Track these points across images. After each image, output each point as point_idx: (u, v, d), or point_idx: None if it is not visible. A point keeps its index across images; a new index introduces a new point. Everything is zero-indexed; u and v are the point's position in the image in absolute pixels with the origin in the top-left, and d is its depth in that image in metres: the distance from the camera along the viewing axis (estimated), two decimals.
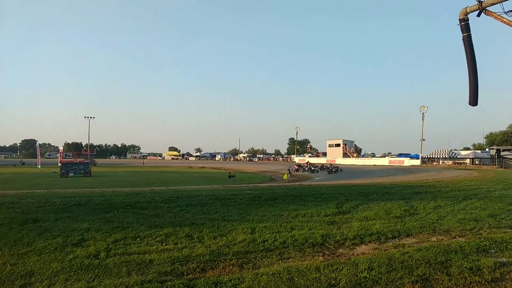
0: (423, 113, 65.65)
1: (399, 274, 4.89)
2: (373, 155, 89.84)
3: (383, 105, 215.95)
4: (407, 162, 61.98)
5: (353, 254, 6.08)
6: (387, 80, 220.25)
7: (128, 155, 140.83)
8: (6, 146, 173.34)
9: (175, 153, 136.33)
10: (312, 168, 52.97)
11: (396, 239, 7.12)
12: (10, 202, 10.52)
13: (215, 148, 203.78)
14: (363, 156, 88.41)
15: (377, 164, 64.19)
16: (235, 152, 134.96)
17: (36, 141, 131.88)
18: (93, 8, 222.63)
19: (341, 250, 6.34)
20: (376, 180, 27.27)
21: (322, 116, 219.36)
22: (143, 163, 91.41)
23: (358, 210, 10.45)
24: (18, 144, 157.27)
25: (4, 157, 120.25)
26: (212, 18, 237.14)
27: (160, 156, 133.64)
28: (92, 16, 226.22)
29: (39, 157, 62.37)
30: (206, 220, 8.69)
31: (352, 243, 6.72)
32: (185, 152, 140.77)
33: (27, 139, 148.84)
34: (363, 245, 6.69)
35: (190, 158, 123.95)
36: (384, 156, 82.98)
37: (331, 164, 57.47)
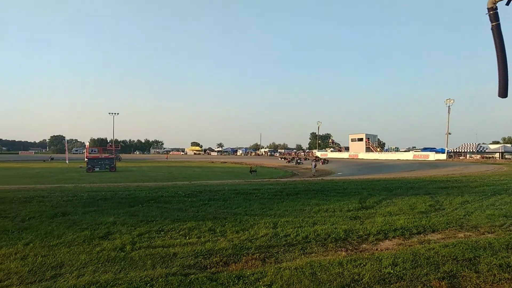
0: (449, 106, 63.79)
1: (425, 271, 4.80)
2: (396, 150, 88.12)
3: (407, 99, 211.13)
4: (432, 156, 60.45)
5: (376, 249, 6.00)
6: (411, 73, 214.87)
7: (152, 151, 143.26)
8: (36, 142, 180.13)
9: (197, 148, 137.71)
10: (298, 161, 62.89)
11: (421, 235, 6.99)
12: (41, 196, 10.90)
13: (236, 143, 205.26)
14: (387, 150, 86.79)
15: (401, 158, 62.88)
16: (256, 147, 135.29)
17: (64, 137, 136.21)
18: (116, 7, 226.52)
19: (364, 245, 6.27)
20: (400, 174, 26.76)
21: (344, 110, 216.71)
22: (167, 158, 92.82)
23: (381, 205, 10.30)
24: (47, 140, 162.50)
25: (34, 152, 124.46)
26: (227, 15, 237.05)
27: (183, 151, 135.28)
28: (117, 16, 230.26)
29: (67, 152, 64.36)
30: (228, 214, 8.76)
31: (376, 239, 6.63)
32: (207, 147, 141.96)
33: (55, 135, 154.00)
34: (387, 240, 6.60)
35: (212, 153, 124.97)
36: (408, 150, 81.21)
37: (316, 157, 62.23)
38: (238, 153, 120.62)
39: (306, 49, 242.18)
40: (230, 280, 4.46)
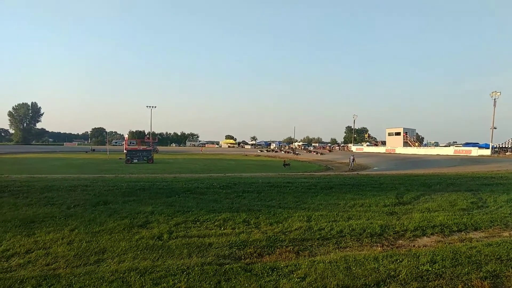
0: (494, 99, 60.34)
1: (466, 269, 4.63)
2: (436, 144, 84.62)
3: (449, 91, 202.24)
4: (475, 152, 57.49)
5: (414, 246, 5.85)
6: (452, 65, 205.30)
7: (187, 143, 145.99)
8: (79, 134, 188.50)
9: (231, 141, 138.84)
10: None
11: (462, 233, 6.73)
12: (84, 185, 11.46)
13: (270, 137, 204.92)
14: (425, 145, 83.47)
15: (441, 153, 60.28)
16: (290, 141, 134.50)
17: (104, 129, 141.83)
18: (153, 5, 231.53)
19: (401, 241, 6.13)
20: (440, 170, 25.75)
21: (381, 103, 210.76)
22: (201, 151, 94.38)
23: (419, 201, 9.99)
24: (89, 132, 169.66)
25: (77, 144, 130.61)
26: (264, 11, 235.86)
27: (217, 144, 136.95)
28: (152, 14, 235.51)
29: (108, 144, 67.03)
30: (262, 206, 8.82)
31: (413, 235, 6.47)
32: (241, 140, 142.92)
33: (96, 127, 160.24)
34: (425, 237, 6.42)
35: (246, 146, 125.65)
36: (448, 145, 77.72)
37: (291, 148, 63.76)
38: (272, 147, 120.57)
39: (341, 41, 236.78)
40: (264, 272, 4.51)
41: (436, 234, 6.57)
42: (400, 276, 4.40)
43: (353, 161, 38.05)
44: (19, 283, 4.12)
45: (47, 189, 10.52)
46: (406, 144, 74.24)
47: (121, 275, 4.36)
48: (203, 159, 54.00)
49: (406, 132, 76.67)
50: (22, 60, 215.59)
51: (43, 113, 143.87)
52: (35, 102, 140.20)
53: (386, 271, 4.53)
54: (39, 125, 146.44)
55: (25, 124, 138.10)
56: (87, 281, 4.16)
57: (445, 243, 5.97)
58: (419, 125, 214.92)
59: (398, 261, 4.92)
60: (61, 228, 6.46)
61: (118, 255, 5.11)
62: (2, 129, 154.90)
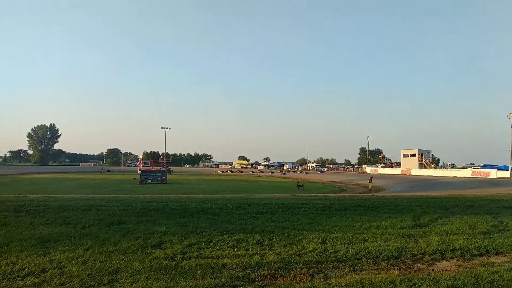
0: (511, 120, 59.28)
1: None
2: (453, 166, 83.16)
3: (464, 113, 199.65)
4: (494, 174, 56.12)
5: (432, 270, 5.68)
6: (468, 86, 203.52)
7: (201, 164, 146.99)
8: (95, 154, 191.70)
9: (245, 162, 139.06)
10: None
11: (484, 257, 6.51)
12: (99, 205, 11.57)
13: (283, 157, 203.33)
14: (442, 167, 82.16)
15: (458, 175, 59.06)
16: (303, 162, 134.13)
17: (119, 150, 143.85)
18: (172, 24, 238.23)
19: (419, 265, 5.96)
20: (457, 192, 25.18)
21: (396, 125, 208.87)
22: (215, 172, 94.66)
23: (437, 224, 9.75)
24: (104, 153, 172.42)
25: (93, 164, 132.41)
26: (279, 31, 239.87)
27: (230, 165, 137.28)
28: (165, 33, 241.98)
29: (123, 165, 67.94)
30: (276, 228, 8.73)
31: (432, 258, 6.28)
32: (254, 161, 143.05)
33: (111, 148, 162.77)
34: (444, 261, 6.22)
35: (259, 167, 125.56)
36: (466, 167, 76.22)
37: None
38: (285, 167, 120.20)
39: (355, 63, 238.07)
40: None
41: (456, 258, 6.37)
42: None
43: (370, 181, 37.52)
44: None
45: (63, 208, 10.65)
46: (421, 165, 73.04)
47: None
48: (216, 180, 54.08)
49: (422, 154, 75.55)
50: (41, 82, 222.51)
51: (60, 135, 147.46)
52: (53, 124, 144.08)
53: None
54: (56, 146, 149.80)
55: (43, 145, 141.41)
56: None
57: (465, 268, 5.78)
58: (435, 146, 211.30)
59: (417, 285, 4.77)
60: (76, 248, 6.49)
61: (132, 275, 5.09)
62: (21, 150, 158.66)
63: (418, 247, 6.94)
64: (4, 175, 58.85)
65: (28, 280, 4.87)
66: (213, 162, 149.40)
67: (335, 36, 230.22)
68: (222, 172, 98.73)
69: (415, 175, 63.50)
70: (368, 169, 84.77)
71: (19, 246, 6.56)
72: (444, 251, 6.71)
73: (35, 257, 5.92)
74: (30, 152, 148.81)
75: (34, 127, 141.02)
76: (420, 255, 6.44)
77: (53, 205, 11.25)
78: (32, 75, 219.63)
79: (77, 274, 5.08)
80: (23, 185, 35.61)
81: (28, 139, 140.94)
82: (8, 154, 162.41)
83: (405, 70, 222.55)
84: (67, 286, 4.68)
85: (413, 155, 76.34)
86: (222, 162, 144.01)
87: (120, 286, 4.65)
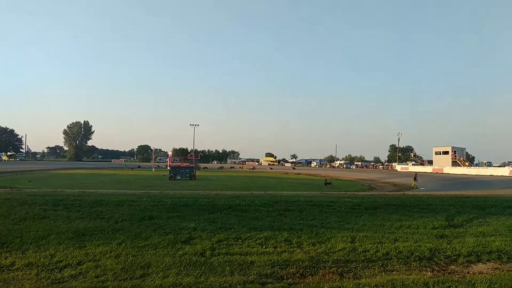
0: None
1: None
2: (489, 164, 79.79)
3: (501, 108, 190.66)
4: None
5: (468, 272, 5.49)
6: (505, 81, 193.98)
7: (228, 160, 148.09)
8: (126, 151, 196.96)
9: (271, 159, 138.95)
10: None
11: None
12: (131, 200, 11.89)
13: (310, 155, 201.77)
14: (477, 165, 78.88)
15: (495, 174, 56.46)
16: (331, 159, 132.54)
17: (149, 146, 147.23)
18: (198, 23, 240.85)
19: (453, 267, 5.77)
20: (494, 192, 24.12)
21: (428, 121, 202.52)
22: (242, 168, 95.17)
23: (472, 224, 9.40)
24: (135, 149, 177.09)
25: (124, 161, 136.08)
26: (309, 25, 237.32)
27: (257, 162, 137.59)
28: (195, 34, 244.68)
29: (153, 161, 69.54)
30: (304, 226, 8.69)
31: (467, 261, 6.06)
32: (281, 158, 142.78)
33: (142, 145, 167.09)
34: (480, 263, 5.99)
35: (286, 164, 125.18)
36: (503, 165, 72.99)
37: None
38: (312, 165, 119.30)
39: (388, 57, 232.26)
40: None
41: (493, 261, 6.12)
42: None
43: (415, 178, 36.00)
44: None
45: (97, 203, 11.03)
46: (454, 163, 70.51)
47: None
48: (243, 176, 54.39)
49: (455, 151, 72.90)
50: (76, 80, 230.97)
51: (93, 131, 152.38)
52: (87, 121, 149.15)
53: None
54: (89, 143, 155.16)
55: (77, 142, 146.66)
56: None
57: (503, 271, 5.54)
58: (470, 144, 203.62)
59: None
60: (109, 242, 6.71)
61: (163, 270, 5.21)
62: (57, 146, 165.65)
63: (452, 248, 6.72)
64: (43, 170, 61.68)
65: (66, 272, 5.09)
66: (240, 159, 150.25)
67: (368, 23, 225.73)
68: (251, 169, 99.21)
69: (448, 173, 61.36)
70: (398, 167, 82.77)
71: (57, 239, 6.86)
72: (480, 253, 6.46)
73: (71, 250, 6.17)
74: (65, 148, 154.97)
75: (69, 124, 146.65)
76: (455, 257, 6.23)
77: (87, 200, 11.67)
78: (67, 74, 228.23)
79: (111, 268, 5.26)
80: (59, 180, 37.16)
81: (63, 135, 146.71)
82: (46, 150, 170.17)
83: (437, 64, 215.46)
84: (102, 278, 4.85)
85: (446, 152, 73.80)
86: (249, 159, 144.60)
87: (152, 281, 4.77)
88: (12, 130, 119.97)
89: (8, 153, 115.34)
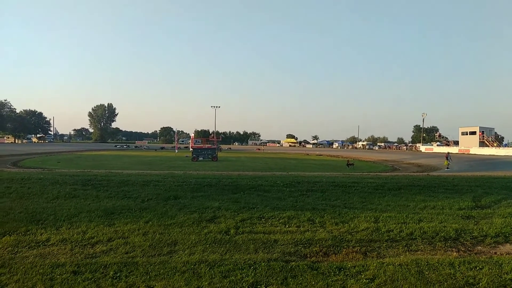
0: None
1: None
2: None
3: None
4: None
5: (495, 253, 5.41)
6: None
7: (249, 142, 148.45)
8: (149, 133, 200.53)
9: (293, 140, 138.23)
10: None
11: None
12: (156, 180, 12.18)
13: (332, 136, 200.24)
14: (506, 145, 76.16)
15: None
16: (353, 140, 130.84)
17: (171, 128, 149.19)
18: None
19: (479, 247, 5.70)
20: None
21: (454, 102, 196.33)
22: (262, 150, 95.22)
23: (500, 206, 9.19)
24: (158, 131, 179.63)
25: (147, 142, 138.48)
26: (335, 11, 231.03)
27: (278, 143, 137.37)
28: (220, 17, 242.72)
29: (176, 143, 70.63)
30: (327, 206, 8.71)
31: (494, 241, 5.97)
32: (302, 140, 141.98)
33: (164, 126, 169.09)
34: (508, 244, 5.90)
35: (307, 146, 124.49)
36: None
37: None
38: (334, 146, 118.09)
39: (409, 36, 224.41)
40: (331, 271, 4.47)
41: None
42: (480, 284, 4.10)
43: (447, 158, 34.86)
44: (103, 268, 4.51)
45: (124, 183, 11.37)
46: (482, 144, 68.27)
47: (192, 266, 4.58)
48: (264, 158, 54.49)
49: (483, 132, 70.44)
50: (101, 63, 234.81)
51: (117, 114, 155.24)
52: (110, 104, 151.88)
53: (464, 278, 4.24)
54: (114, 125, 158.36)
55: (102, 124, 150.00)
56: (162, 270, 4.43)
57: None
58: (498, 124, 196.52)
59: (478, 268, 4.58)
60: (137, 220, 6.95)
61: (189, 247, 5.38)
62: (83, 128, 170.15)
63: (479, 229, 6.62)
64: (70, 152, 63.63)
65: (97, 248, 5.33)
66: (261, 140, 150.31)
67: (393, 13, 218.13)
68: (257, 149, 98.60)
69: (475, 154, 59.64)
70: (423, 148, 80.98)
71: (87, 216, 7.15)
72: (508, 234, 6.35)
73: (101, 227, 6.43)
74: (91, 130, 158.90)
75: (94, 107, 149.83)
76: (481, 238, 6.14)
77: (114, 180, 12.02)
78: (92, 58, 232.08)
79: (139, 245, 5.47)
80: (86, 161, 38.28)
81: (89, 118, 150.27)
82: (72, 133, 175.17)
83: (464, 44, 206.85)
84: (131, 254, 5.05)
85: (473, 132, 71.45)
86: (270, 141, 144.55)
87: (179, 257, 4.93)
88: (41, 113, 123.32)
89: (38, 135, 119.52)
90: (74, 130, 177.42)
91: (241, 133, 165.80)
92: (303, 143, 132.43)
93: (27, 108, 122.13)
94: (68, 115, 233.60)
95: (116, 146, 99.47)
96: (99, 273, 4.36)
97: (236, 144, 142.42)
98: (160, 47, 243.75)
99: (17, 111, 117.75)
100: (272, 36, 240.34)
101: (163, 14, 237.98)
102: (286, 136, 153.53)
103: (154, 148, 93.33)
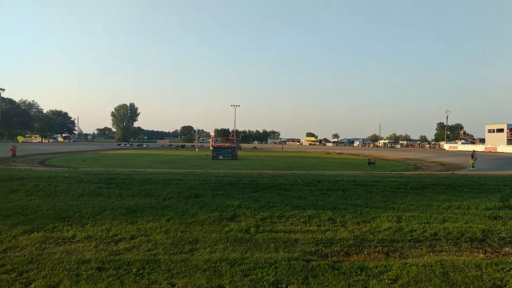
0: None
1: None
2: None
3: None
4: None
5: None
6: None
7: (269, 141, 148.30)
8: (170, 132, 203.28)
9: (312, 138, 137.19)
10: None
11: None
12: (177, 179, 12.33)
13: (353, 134, 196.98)
14: None
15: None
16: (374, 138, 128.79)
17: (192, 127, 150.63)
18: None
19: (507, 248, 5.52)
20: None
21: (479, 97, 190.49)
22: (282, 149, 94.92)
23: None
24: (179, 130, 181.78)
25: (169, 141, 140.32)
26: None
27: (298, 142, 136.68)
28: (237, 16, 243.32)
29: (197, 142, 71.38)
30: (348, 205, 8.62)
31: None
32: (322, 138, 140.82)
33: (185, 125, 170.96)
34: None
35: (328, 144, 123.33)
36: None
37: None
38: (355, 144, 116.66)
39: (436, 29, 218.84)
40: (352, 271, 4.42)
41: None
42: (508, 286, 3.98)
43: (472, 157, 33.78)
44: (126, 265, 4.60)
45: (146, 182, 11.56)
46: (510, 141, 65.98)
47: (213, 264, 4.62)
48: (284, 156, 54.36)
49: (511, 129, 68.11)
50: (123, 64, 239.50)
51: (139, 113, 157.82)
52: (132, 103, 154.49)
53: (491, 280, 4.12)
54: (135, 124, 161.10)
55: (124, 123, 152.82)
56: (183, 268, 4.49)
57: None
58: None
59: (505, 270, 4.44)
60: (159, 218, 7.06)
61: (210, 246, 5.43)
62: (106, 127, 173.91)
63: (507, 230, 6.42)
64: (94, 151, 65.28)
65: (121, 245, 5.45)
66: (280, 139, 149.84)
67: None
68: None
69: (503, 152, 57.69)
70: (447, 146, 79.01)
71: (111, 214, 7.32)
72: None
73: (125, 225, 6.57)
74: (114, 129, 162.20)
75: (117, 107, 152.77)
76: (510, 239, 5.96)
77: (137, 179, 12.25)
78: (116, 60, 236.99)
79: (161, 242, 5.56)
80: (110, 160, 39.18)
81: (111, 117, 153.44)
82: (96, 132, 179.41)
83: (490, 36, 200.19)
84: (153, 252, 5.14)
85: (501, 130, 69.05)
86: (290, 139, 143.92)
87: (200, 255, 4.98)
88: (66, 113, 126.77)
89: (63, 135, 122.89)
90: (98, 129, 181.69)
91: (261, 131, 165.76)
92: (323, 142, 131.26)
93: (53, 108, 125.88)
94: (93, 116, 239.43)
95: (126, 144, 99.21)
96: (122, 270, 4.46)
97: (256, 142, 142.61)
98: (181, 48, 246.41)
99: (44, 111, 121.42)
100: (295, 35, 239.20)
101: (173, 11, 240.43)
102: (305, 135, 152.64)
103: (172, 147, 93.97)
